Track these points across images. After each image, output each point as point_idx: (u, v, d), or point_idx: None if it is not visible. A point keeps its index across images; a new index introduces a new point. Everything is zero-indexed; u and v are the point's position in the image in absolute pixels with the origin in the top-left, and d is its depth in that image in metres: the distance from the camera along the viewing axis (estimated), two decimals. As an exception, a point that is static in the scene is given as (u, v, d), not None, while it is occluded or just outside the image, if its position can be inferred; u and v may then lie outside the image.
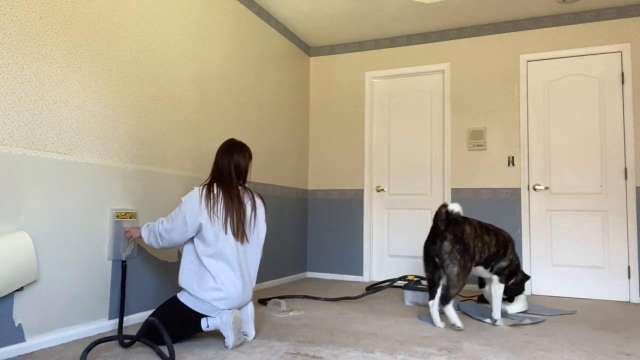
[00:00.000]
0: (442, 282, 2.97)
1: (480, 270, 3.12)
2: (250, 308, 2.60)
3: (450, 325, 2.96)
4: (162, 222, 2.55)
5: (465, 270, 2.91)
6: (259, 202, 2.68)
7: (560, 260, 4.36)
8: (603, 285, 4.22)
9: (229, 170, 2.60)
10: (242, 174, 2.65)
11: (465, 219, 3.04)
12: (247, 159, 2.67)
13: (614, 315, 3.49)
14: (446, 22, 4.75)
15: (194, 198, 2.48)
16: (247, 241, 2.57)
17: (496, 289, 3.12)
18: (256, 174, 4.37)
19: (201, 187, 2.53)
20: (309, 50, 5.50)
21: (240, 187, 2.62)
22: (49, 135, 2.44)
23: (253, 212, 2.62)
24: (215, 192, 2.51)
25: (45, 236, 2.40)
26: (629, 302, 4.11)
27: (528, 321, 3.13)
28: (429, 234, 3.04)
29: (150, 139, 3.12)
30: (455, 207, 2.97)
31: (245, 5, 4.23)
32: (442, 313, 3.09)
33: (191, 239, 2.53)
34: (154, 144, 3.15)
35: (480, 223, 3.11)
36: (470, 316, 3.19)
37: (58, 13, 2.50)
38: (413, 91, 5.07)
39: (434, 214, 2.93)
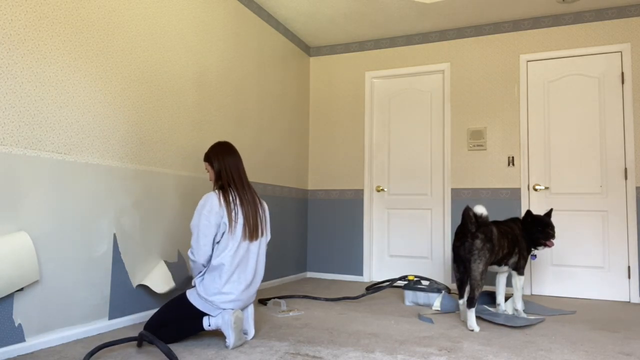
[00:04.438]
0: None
1: (495, 268, 3.31)
2: (250, 307, 2.61)
3: (469, 330, 2.95)
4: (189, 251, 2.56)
5: (486, 269, 3.03)
6: (265, 206, 2.71)
7: (560, 260, 4.36)
8: (603, 285, 4.22)
9: (238, 173, 2.61)
10: (245, 175, 2.66)
11: (490, 221, 3.17)
12: (239, 158, 2.69)
13: (614, 315, 3.49)
14: (446, 22, 4.75)
15: (214, 201, 2.47)
16: (258, 238, 2.57)
17: (516, 281, 3.33)
18: (256, 174, 4.37)
19: (217, 191, 2.53)
20: (309, 50, 5.50)
21: (248, 187, 2.63)
22: (49, 135, 2.44)
23: (263, 213, 2.65)
24: (232, 196, 2.52)
25: (45, 236, 2.40)
26: (629, 302, 4.11)
27: (535, 321, 3.13)
28: (456, 236, 3.11)
29: (150, 139, 3.12)
30: (483, 211, 3.07)
31: (245, 5, 4.23)
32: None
33: None
34: (154, 144, 3.15)
35: (499, 227, 3.22)
36: (492, 322, 3.13)
37: (58, 13, 2.50)
38: (413, 91, 5.07)
39: (462, 216, 3.09)
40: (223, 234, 2.48)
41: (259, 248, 2.59)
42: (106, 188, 2.77)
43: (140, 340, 2.37)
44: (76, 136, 2.59)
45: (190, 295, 2.51)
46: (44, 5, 2.42)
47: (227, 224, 2.46)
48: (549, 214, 3.37)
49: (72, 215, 2.55)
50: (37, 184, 2.36)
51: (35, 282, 2.34)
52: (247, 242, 2.52)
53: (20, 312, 2.28)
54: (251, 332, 2.59)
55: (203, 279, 2.50)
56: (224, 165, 2.60)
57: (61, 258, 2.48)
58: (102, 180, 2.74)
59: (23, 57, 2.32)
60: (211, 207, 2.46)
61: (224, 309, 2.46)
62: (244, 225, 2.51)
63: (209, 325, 2.43)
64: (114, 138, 2.84)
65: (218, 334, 2.69)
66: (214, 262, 2.47)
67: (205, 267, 2.55)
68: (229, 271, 2.45)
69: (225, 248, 2.46)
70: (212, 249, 2.50)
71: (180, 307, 2.49)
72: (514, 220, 3.40)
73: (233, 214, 2.48)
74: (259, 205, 2.62)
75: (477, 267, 2.96)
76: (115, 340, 2.24)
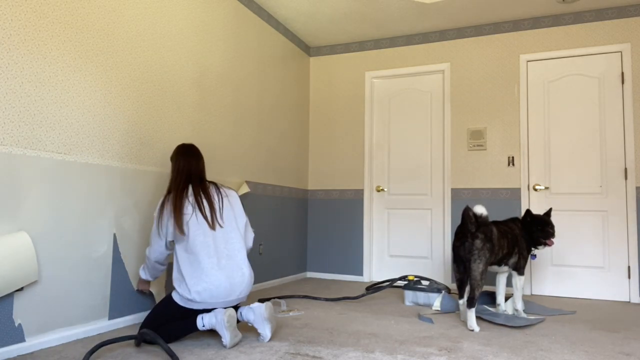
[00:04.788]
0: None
1: (495, 268, 3.29)
2: (262, 307, 2.55)
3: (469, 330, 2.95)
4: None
5: (486, 269, 3.02)
6: (228, 192, 2.76)
7: (560, 260, 4.36)
8: (603, 285, 4.22)
9: (187, 173, 2.69)
10: (198, 172, 2.72)
11: (490, 221, 3.16)
12: (198, 158, 2.77)
13: (614, 315, 3.49)
14: (446, 22, 4.75)
15: (158, 206, 2.63)
16: (221, 226, 2.59)
17: (516, 281, 3.32)
18: (256, 174, 4.37)
19: (162, 197, 2.66)
20: (309, 50, 5.50)
21: (201, 183, 2.68)
22: (49, 135, 2.44)
23: (222, 200, 2.67)
24: (174, 194, 2.60)
25: (45, 236, 2.40)
26: (629, 302, 4.11)
27: (535, 321, 3.13)
28: (456, 236, 3.11)
29: (150, 139, 3.13)
30: (483, 211, 3.07)
31: (245, 5, 4.23)
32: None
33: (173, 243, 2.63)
34: (154, 144, 3.15)
35: (498, 227, 3.21)
36: (492, 322, 3.13)
37: (58, 13, 2.50)
38: (413, 91, 5.07)
39: (461, 216, 3.09)
40: (172, 232, 2.57)
41: (227, 234, 2.59)
42: (106, 188, 2.77)
43: (139, 340, 2.37)
44: (76, 136, 2.59)
45: (175, 295, 2.52)
46: (44, 5, 2.42)
47: (174, 219, 2.53)
48: (548, 213, 3.37)
49: (72, 216, 2.55)
50: (37, 184, 2.36)
51: (36, 282, 2.34)
52: (209, 230, 2.54)
53: (20, 312, 2.28)
54: (266, 335, 2.53)
55: (177, 277, 2.53)
56: (175, 167, 2.71)
57: (61, 258, 2.48)
58: (102, 180, 2.74)
59: (23, 57, 2.32)
60: (157, 212, 2.62)
61: (210, 305, 2.45)
62: (194, 213, 2.54)
63: (203, 326, 2.42)
64: (114, 138, 2.84)
65: (218, 334, 2.69)
66: (181, 257, 2.53)
67: (162, 265, 2.73)
68: (197, 260, 2.47)
69: (187, 241, 2.52)
70: (167, 249, 2.65)
71: (169, 309, 2.50)
72: (514, 220, 3.39)
73: (177, 206, 2.54)
74: (215, 195, 2.66)
75: (477, 267, 2.96)
76: (115, 338, 2.24)
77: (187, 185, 2.65)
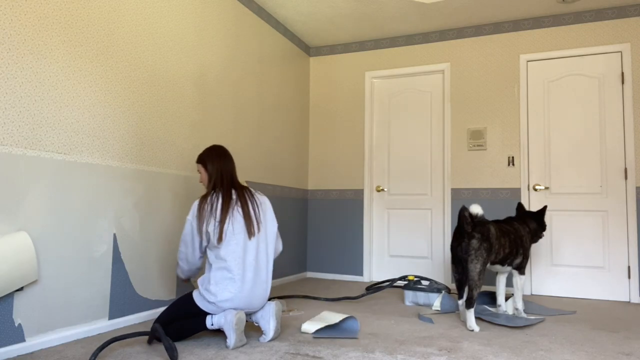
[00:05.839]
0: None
1: (498, 268, 3.28)
2: (272, 304, 2.57)
3: (469, 330, 2.95)
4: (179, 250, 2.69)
5: (485, 269, 3.01)
6: (262, 199, 2.69)
7: (560, 260, 4.36)
8: (603, 285, 4.22)
9: (229, 176, 2.65)
10: (236, 177, 2.70)
11: (488, 220, 3.16)
12: (233, 162, 2.74)
13: (614, 315, 3.49)
14: (446, 22, 4.75)
15: (194, 210, 2.56)
16: (255, 235, 2.54)
17: (517, 280, 3.33)
18: (256, 174, 4.37)
19: (200, 198, 2.59)
20: (309, 50, 5.50)
21: (238, 187, 2.64)
22: (49, 135, 2.44)
23: (256, 208, 2.61)
24: (211, 198, 2.55)
25: (45, 236, 2.40)
26: (629, 302, 4.11)
27: (535, 321, 3.13)
28: (454, 236, 3.11)
29: (150, 139, 3.12)
30: (479, 210, 3.07)
31: (245, 5, 4.23)
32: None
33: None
34: (154, 144, 3.15)
35: (499, 226, 3.20)
36: (492, 322, 3.12)
37: (58, 13, 2.50)
38: (413, 91, 5.07)
39: (457, 216, 3.09)
40: (209, 237, 2.51)
41: (258, 244, 2.56)
42: (106, 188, 2.77)
43: (151, 336, 2.39)
44: (76, 136, 2.59)
45: (195, 294, 2.55)
46: (44, 5, 2.42)
47: (207, 228, 2.50)
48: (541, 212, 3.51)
49: (72, 215, 2.55)
50: (37, 184, 2.36)
51: (36, 282, 2.34)
52: (242, 239, 2.51)
53: (20, 312, 2.28)
54: (269, 333, 2.55)
55: (204, 278, 2.54)
56: (216, 169, 2.64)
57: (61, 258, 2.48)
58: (102, 180, 2.74)
59: (23, 57, 2.31)
60: (193, 214, 2.56)
61: (226, 309, 2.46)
62: (228, 221, 2.50)
63: (212, 325, 2.44)
64: (114, 138, 2.84)
65: (218, 334, 2.69)
66: (212, 262, 2.52)
67: (199, 269, 2.70)
68: (226, 268, 2.46)
69: (217, 248, 2.49)
70: (202, 253, 2.61)
71: (186, 306, 2.53)
72: (518, 219, 3.41)
73: (212, 218, 2.50)
74: (251, 203, 2.60)
75: (475, 267, 2.95)
76: (126, 334, 2.24)
77: (227, 189, 2.59)
